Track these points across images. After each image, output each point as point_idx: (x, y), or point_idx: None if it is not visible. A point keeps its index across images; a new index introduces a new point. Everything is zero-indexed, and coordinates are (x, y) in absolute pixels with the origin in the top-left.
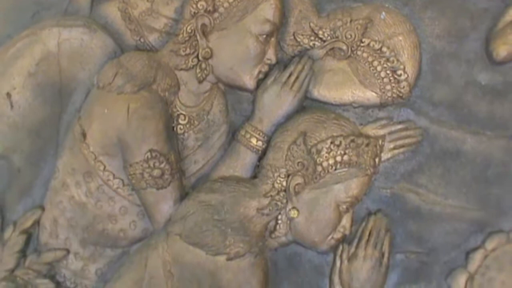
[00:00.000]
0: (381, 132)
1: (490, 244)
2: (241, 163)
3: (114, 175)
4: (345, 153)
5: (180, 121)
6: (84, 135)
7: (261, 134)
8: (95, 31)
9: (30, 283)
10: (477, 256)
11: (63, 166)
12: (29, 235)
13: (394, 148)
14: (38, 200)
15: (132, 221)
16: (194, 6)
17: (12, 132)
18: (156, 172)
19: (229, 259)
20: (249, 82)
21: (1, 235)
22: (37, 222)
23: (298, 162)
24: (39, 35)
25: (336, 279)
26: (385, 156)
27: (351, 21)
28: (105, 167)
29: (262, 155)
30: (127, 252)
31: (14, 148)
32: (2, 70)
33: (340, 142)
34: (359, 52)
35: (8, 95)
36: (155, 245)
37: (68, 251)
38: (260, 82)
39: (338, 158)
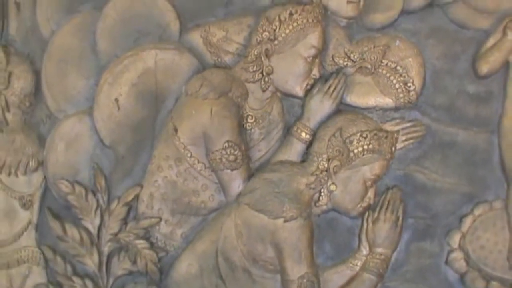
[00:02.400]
0: (396, 128)
1: (477, 211)
2: (293, 151)
3: (198, 160)
4: (370, 143)
5: (249, 120)
6: (176, 130)
7: (308, 129)
8: (183, 52)
9: (130, 243)
10: (468, 220)
11: (158, 154)
12: (130, 207)
13: (406, 140)
14: (138, 180)
15: (211, 195)
16: (260, 35)
17: (118, 128)
18: (231, 158)
19: (285, 221)
20: (300, 91)
21: (108, 207)
22: (136, 197)
23: (336, 150)
24: (140, 55)
25: (363, 237)
26: (399, 145)
27: (374, 47)
28: (191, 154)
29: (309, 145)
30: (206, 219)
31: (119, 140)
32: (112, 81)
33: (367, 135)
34: (380, 70)
35: (116, 100)
36: (228, 213)
37: (160, 219)
38: (307, 92)
39: (365, 147)
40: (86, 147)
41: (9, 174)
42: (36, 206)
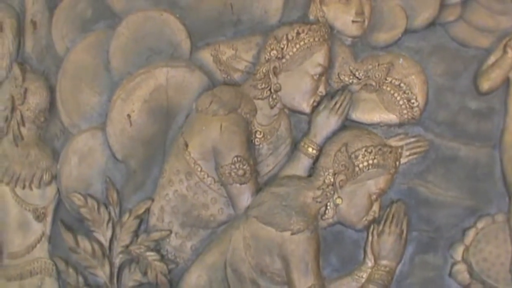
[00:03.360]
0: (400, 143)
1: (480, 224)
2: (300, 166)
3: (208, 174)
4: (375, 158)
5: (257, 136)
6: (186, 145)
7: (315, 145)
8: (194, 70)
9: (141, 255)
10: (471, 233)
11: (169, 168)
12: (141, 220)
13: (410, 155)
14: (149, 194)
15: (220, 208)
16: (268, 54)
17: (130, 143)
18: (240, 172)
19: (292, 233)
20: (307, 108)
21: (120, 219)
22: (147, 210)
23: (342, 164)
24: (152, 72)
25: (368, 250)
26: (403, 160)
27: (378, 65)
28: (201, 168)
29: (316, 160)
30: (215, 232)
31: (131, 155)
32: (125, 97)
33: (372, 150)
34: (384, 87)
35: (128, 116)
36: (237, 226)
37: (170, 232)
38: (314, 108)
39: (370, 161)
40: (98, 162)
41: (24, 187)
42: (49, 218)
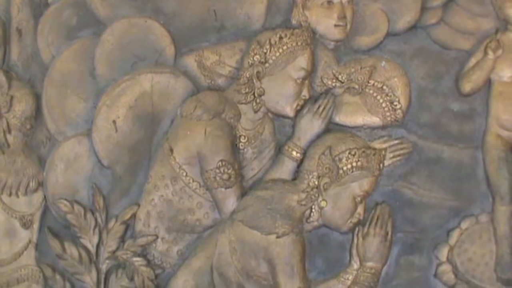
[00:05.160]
0: (384, 145)
1: (464, 225)
2: (285, 169)
3: (193, 179)
4: (358, 160)
5: (241, 140)
6: (171, 150)
7: (299, 148)
8: (178, 76)
9: (128, 261)
10: (455, 234)
11: (154, 174)
12: (127, 225)
13: (393, 157)
14: (135, 199)
15: (206, 213)
16: (251, 58)
17: (116, 149)
18: (225, 176)
19: (278, 237)
20: (290, 112)
21: (106, 225)
22: (133, 215)
23: (326, 167)
24: (137, 79)
25: (354, 252)
26: (387, 162)
27: (361, 68)
28: (186, 173)
29: (300, 163)
30: (201, 236)
31: (117, 161)
32: (110, 104)
33: (355, 152)
34: (367, 90)
35: (114, 122)
36: (222, 230)
37: (156, 237)
38: (298, 112)
39: (354, 164)
40: (85, 168)
41: (10, 194)
42: (36, 225)
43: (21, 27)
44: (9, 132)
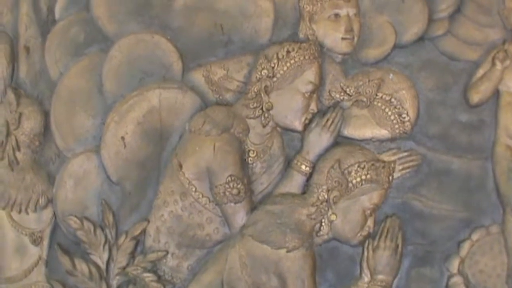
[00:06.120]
0: (393, 158)
1: (475, 236)
2: (294, 183)
3: (202, 194)
4: (368, 173)
5: (250, 155)
6: (180, 166)
7: (308, 162)
8: (186, 91)
9: (138, 277)
10: (466, 245)
11: (164, 189)
12: (137, 241)
13: (403, 169)
14: (144, 215)
15: (216, 228)
16: (259, 73)
17: (125, 165)
18: (234, 191)
19: (288, 251)
20: (299, 126)
21: (116, 241)
22: (143, 231)
23: (335, 181)
24: (145, 94)
25: (364, 265)
26: (396, 175)
27: (369, 81)
28: (196, 188)
29: (309, 177)
30: (211, 251)
31: (126, 177)
32: (118, 120)
33: (364, 165)
34: (375, 103)
35: (123, 138)
36: (233, 245)
37: (167, 252)
38: (306, 126)
39: (363, 177)
40: (94, 184)
41: (20, 211)
42: (46, 242)
43: (29, 45)
44: (18, 149)
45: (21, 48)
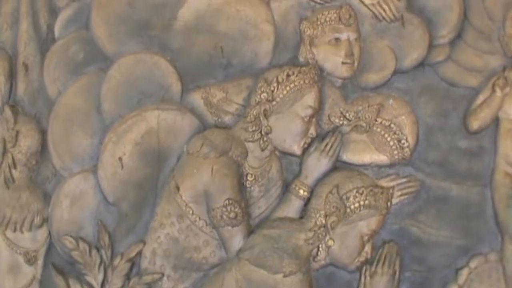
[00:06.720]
0: (391, 184)
1: (473, 264)
2: (292, 208)
3: (199, 217)
4: (366, 199)
5: (248, 178)
6: (178, 188)
7: (306, 187)
8: (185, 113)
9: None
10: (464, 273)
11: (161, 211)
12: (133, 263)
13: (401, 195)
14: (141, 237)
15: (212, 251)
16: (258, 96)
17: (122, 186)
18: (231, 215)
19: (285, 276)
20: (297, 150)
21: (111, 262)
22: (139, 253)
23: (333, 206)
24: (143, 115)
25: None
26: (394, 201)
27: (368, 106)
28: (193, 211)
29: (307, 202)
30: (207, 274)
31: (123, 198)
32: (116, 140)
33: (363, 191)
34: (374, 128)
35: (120, 158)
36: (229, 268)
37: (162, 275)
38: (305, 150)
39: (362, 203)
40: (90, 204)
41: (15, 230)
42: (40, 261)
43: (27, 62)
44: (15, 167)
45: (20, 65)
